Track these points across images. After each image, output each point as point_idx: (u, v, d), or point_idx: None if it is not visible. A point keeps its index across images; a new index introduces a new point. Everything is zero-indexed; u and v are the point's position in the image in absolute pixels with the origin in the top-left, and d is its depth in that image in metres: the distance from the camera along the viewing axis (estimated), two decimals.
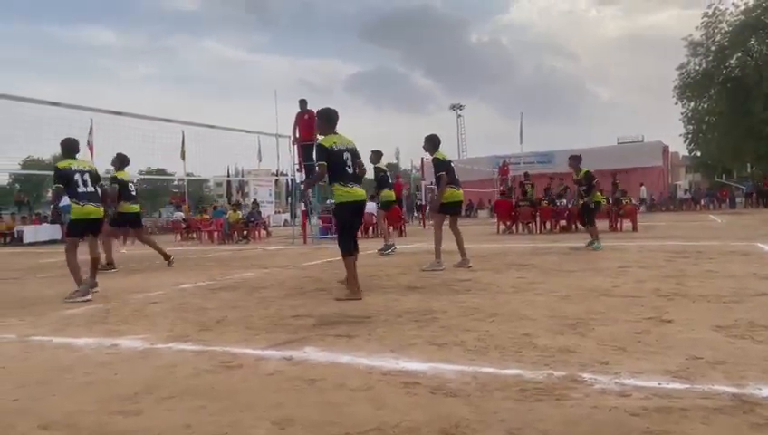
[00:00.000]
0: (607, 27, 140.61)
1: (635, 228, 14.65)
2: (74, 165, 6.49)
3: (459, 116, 61.85)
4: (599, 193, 10.36)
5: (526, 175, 19.65)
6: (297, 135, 14.84)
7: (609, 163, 29.13)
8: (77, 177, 6.39)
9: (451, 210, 7.99)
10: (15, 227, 22.48)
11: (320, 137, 5.96)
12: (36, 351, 3.79)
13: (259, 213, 20.05)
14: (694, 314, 4.16)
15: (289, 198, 27.81)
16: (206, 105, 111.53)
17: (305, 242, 14.56)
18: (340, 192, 5.72)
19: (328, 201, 17.28)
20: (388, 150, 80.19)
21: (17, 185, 58.19)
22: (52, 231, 22.48)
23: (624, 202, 15.54)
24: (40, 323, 4.79)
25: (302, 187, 10.71)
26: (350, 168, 5.75)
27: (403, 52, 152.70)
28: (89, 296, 6.02)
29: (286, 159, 16.27)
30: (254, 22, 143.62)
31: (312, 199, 15.97)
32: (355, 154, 5.89)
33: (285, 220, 29.29)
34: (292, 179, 18.51)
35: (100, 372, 3.25)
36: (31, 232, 21.79)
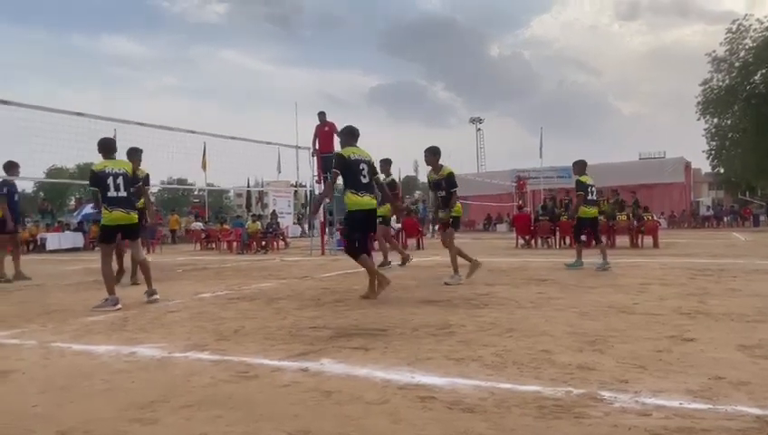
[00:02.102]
0: (630, 42, 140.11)
1: (656, 245, 14.47)
2: (109, 167, 6.38)
3: (479, 129, 61.75)
4: (585, 208, 9.40)
5: (567, 192, 19.44)
6: (317, 147, 14.92)
7: (630, 179, 28.92)
8: (109, 180, 6.29)
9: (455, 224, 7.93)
10: (39, 234, 22.83)
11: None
12: (56, 357, 3.83)
13: (278, 224, 20.17)
14: (716, 332, 4.09)
15: (307, 209, 27.96)
16: (227, 116, 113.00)
17: (323, 253, 14.59)
18: (351, 200, 6.07)
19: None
20: (406, 163, 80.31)
21: (41, 193, 59.23)
22: (75, 239, 22.81)
23: (646, 218, 15.36)
24: (61, 329, 4.84)
25: (317, 197, 10.44)
26: (365, 177, 6.10)
27: (424, 65, 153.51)
28: (119, 306, 5.96)
29: (305, 171, 16.37)
30: (276, 34, 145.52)
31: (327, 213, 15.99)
32: (372, 168, 6.26)
33: (303, 231, 29.41)
34: (311, 191, 18.61)
35: (118, 379, 3.27)
36: (54, 240, 22.10)
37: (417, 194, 67.98)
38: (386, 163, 10.00)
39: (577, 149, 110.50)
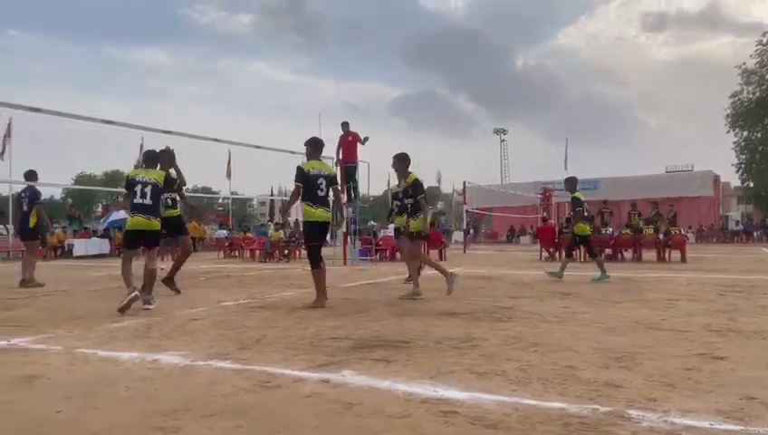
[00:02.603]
0: (657, 54, 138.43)
1: (683, 259, 14.22)
2: (139, 175, 6.64)
3: (503, 141, 61.48)
4: (581, 224, 9.42)
5: (605, 202, 19.24)
6: (340, 156, 14.98)
7: (656, 192, 28.50)
8: (137, 187, 6.53)
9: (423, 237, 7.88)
10: (66, 240, 23.22)
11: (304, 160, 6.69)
12: (81, 363, 3.87)
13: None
14: (748, 351, 3.98)
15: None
16: (252, 125, 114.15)
17: (345, 263, 14.60)
18: (307, 212, 6.59)
19: (369, 223, 17.38)
20: (429, 174, 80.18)
21: (69, 200, 60.30)
22: (101, 245, 23.16)
23: (673, 233, 15.11)
24: (87, 335, 4.89)
25: (282, 205, 10.36)
26: (321, 191, 6.58)
27: (447, 76, 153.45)
28: (135, 293, 6.14)
29: None
30: (301, 45, 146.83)
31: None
32: (331, 181, 6.72)
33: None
34: (332, 200, 18.65)
35: (142, 386, 3.29)
36: (81, 246, 22.47)
37: (440, 205, 67.88)
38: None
39: (602, 161, 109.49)
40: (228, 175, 24.79)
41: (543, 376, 3.36)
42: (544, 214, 24.68)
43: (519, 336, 4.54)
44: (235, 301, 7.13)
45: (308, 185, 6.54)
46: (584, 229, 9.40)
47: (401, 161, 7.65)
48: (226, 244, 21.53)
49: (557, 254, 15.69)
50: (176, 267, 7.90)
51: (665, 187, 33.56)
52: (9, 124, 15.16)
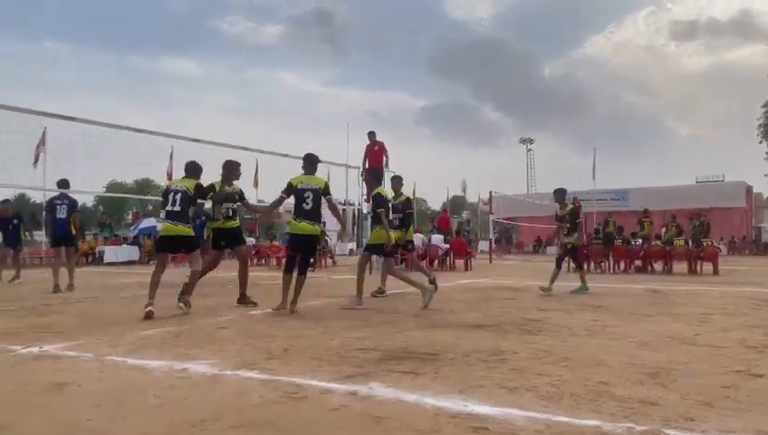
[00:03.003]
0: (687, 62, 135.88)
1: (716, 272, 13.90)
2: (174, 184, 6.97)
3: (529, 150, 61.02)
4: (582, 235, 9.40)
5: (645, 211, 18.92)
6: (367, 166, 15.00)
7: (687, 203, 28.01)
8: (170, 196, 6.79)
9: (377, 251, 8.09)
10: (97, 247, 23.63)
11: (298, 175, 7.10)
12: (111, 371, 3.90)
13: (326, 241, 20.28)
14: None
15: (355, 228, 28.06)
16: (279, 135, 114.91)
17: (370, 272, 14.55)
18: (292, 224, 7.10)
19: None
20: (454, 184, 79.95)
21: (101, 207, 61.44)
22: (131, 252, 23.52)
23: (705, 244, 14.80)
24: (117, 342, 4.94)
25: (261, 208, 10.40)
26: (307, 205, 6.91)
27: (473, 86, 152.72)
28: (149, 308, 6.35)
29: (353, 189, 16.47)
30: (328, 55, 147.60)
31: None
32: (319, 194, 6.99)
33: (351, 250, 29.53)
34: (359, 209, 18.70)
35: (170, 395, 3.30)
36: (111, 252, 22.84)
37: (466, 214, 67.55)
38: (396, 181, 9.33)
39: (631, 171, 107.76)
40: (255, 184, 24.99)
41: (576, 392, 3.28)
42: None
43: (549, 350, 4.46)
44: (261, 309, 7.15)
45: (295, 198, 6.95)
46: (576, 240, 9.39)
47: (400, 181, 8.40)
48: (253, 252, 21.68)
49: (585, 265, 15.46)
50: (242, 283, 7.84)
51: (695, 197, 32.95)
52: (44, 133, 15.46)
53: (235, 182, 7.67)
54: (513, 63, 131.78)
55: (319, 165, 7.63)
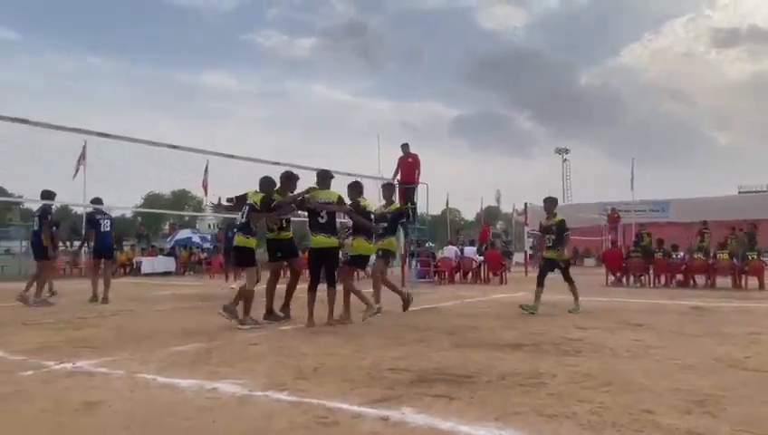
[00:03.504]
0: (728, 70, 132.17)
1: (762, 287, 13.36)
2: (251, 198, 7.18)
3: (565, 160, 60.15)
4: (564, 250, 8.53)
5: (704, 223, 18.36)
6: (399, 177, 14.91)
7: (729, 214, 27.10)
8: (245, 208, 7.15)
9: (360, 263, 8.17)
10: (135, 258, 24.03)
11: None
12: (142, 389, 3.87)
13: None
14: None
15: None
16: (312, 147, 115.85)
17: (403, 285, 14.42)
18: (311, 239, 7.15)
19: (427, 244, 17.20)
20: (489, 194, 79.35)
21: (139, 218, 62.72)
22: (167, 263, 23.86)
23: (750, 257, 14.26)
24: (148, 358, 4.93)
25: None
26: (322, 218, 6.99)
27: (507, 95, 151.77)
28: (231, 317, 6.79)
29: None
30: (361, 67, 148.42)
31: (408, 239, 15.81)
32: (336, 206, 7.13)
33: None
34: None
35: (200, 417, 3.25)
36: (148, 263, 23.19)
37: (500, 225, 66.82)
38: (387, 189, 9.11)
39: (670, 180, 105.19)
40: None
41: (618, 421, 3.12)
42: (611, 236, 23.88)
43: (589, 373, 4.27)
44: (293, 325, 7.10)
45: (310, 213, 7.08)
46: (559, 255, 8.54)
47: (351, 189, 7.93)
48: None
49: (624, 278, 15.07)
50: (289, 294, 7.86)
51: (739, 208, 31.89)
52: (84, 147, 15.85)
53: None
54: (548, 73, 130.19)
55: (348, 177, 7.67)
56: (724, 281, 14.08)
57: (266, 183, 7.29)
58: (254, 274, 7.13)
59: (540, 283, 8.40)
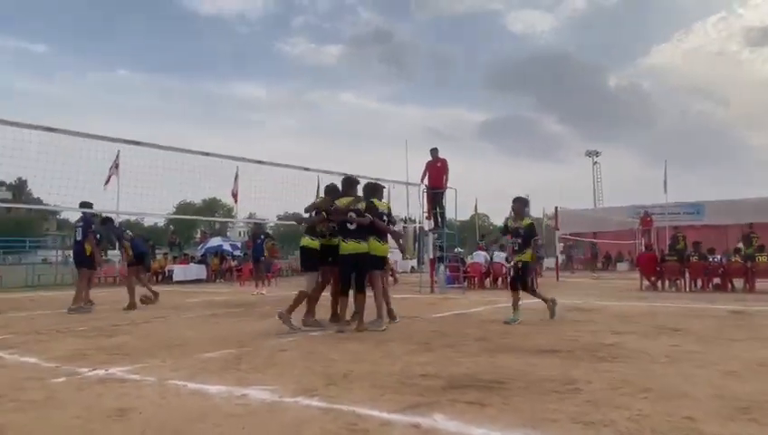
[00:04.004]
0: (761, 69, 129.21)
1: None
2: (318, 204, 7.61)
3: (595, 163, 59.19)
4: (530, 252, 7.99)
5: (751, 226, 17.88)
6: (427, 183, 14.85)
7: (766, 216, 26.33)
8: (313, 212, 7.52)
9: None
10: (167, 266, 24.38)
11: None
12: (172, 396, 3.87)
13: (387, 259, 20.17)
14: None
15: (416, 245, 27.83)
16: (341, 154, 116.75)
17: (432, 291, 14.33)
18: (340, 246, 7.13)
19: (456, 249, 17.06)
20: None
21: (171, 226, 63.71)
22: (198, 271, 24.14)
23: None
24: (179, 365, 4.95)
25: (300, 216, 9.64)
26: (352, 224, 7.04)
27: (535, 99, 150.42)
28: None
29: (414, 207, 16.31)
30: (388, 73, 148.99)
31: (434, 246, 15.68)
32: (359, 212, 7.09)
33: (412, 267, 29.34)
34: (420, 227, 18.52)
35: (229, 424, 3.23)
36: (180, 271, 23.50)
37: None
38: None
39: (705, 182, 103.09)
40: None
41: (659, 428, 3.00)
42: (644, 239, 23.41)
43: (626, 379, 4.14)
44: (322, 331, 7.07)
45: (340, 220, 7.13)
46: (531, 257, 8.09)
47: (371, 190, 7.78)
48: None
49: (659, 283, 14.73)
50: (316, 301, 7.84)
51: None
52: (117, 156, 16.19)
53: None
54: (577, 75, 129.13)
55: (376, 182, 7.65)
56: (764, 284, 13.66)
57: (331, 190, 7.60)
58: (315, 278, 7.28)
59: (514, 288, 8.01)
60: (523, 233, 7.94)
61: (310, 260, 7.35)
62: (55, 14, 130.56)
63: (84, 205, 10.77)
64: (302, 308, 7.43)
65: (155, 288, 12.05)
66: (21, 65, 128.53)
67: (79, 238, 10.46)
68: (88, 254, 10.37)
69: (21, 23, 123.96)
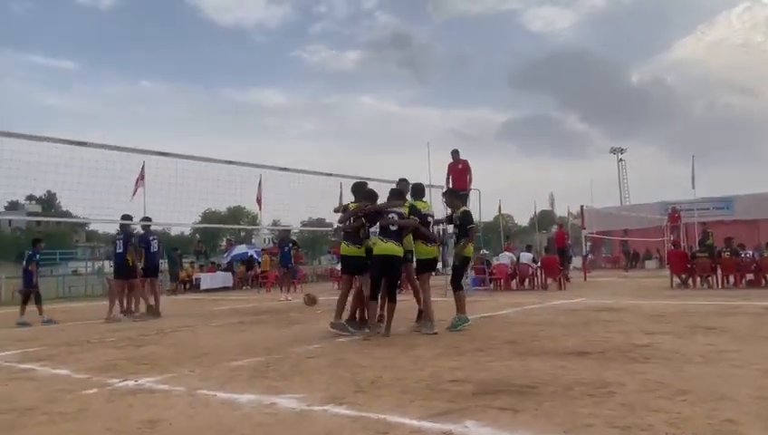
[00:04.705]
0: None
1: None
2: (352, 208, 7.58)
3: (620, 160, 58.34)
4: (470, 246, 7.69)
5: (706, 225, 17.56)
6: (450, 184, 14.75)
7: None
8: (351, 218, 7.49)
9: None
10: (194, 274, 24.58)
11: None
12: (201, 406, 3.87)
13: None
14: None
15: (441, 247, 27.64)
16: (362, 157, 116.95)
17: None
18: (377, 245, 6.95)
19: (482, 251, 16.92)
20: (541, 198, 77.90)
21: (197, 235, 64.36)
22: (225, 279, 24.30)
23: None
24: (208, 374, 4.96)
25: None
26: (393, 226, 6.96)
27: (557, 97, 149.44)
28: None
29: (438, 208, 16.21)
30: (407, 77, 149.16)
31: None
32: (401, 215, 7.09)
33: (437, 269, 29.14)
34: (444, 229, 18.40)
35: (259, 434, 3.21)
36: (207, 280, 23.67)
37: (554, 229, 65.18)
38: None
39: (734, 177, 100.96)
40: (341, 207, 25.29)
41: (699, 432, 2.91)
42: (673, 236, 22.98)
43: (662, 381, 4.03)
44: (349, 337, 7.04)
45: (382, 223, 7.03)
46: (467, 250, 7.68)
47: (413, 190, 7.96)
48: (340, 275, 21.84)
49: (690, 280, 14.42)
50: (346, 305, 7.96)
51: None
52: (142, 167, 16.39)
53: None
54: (598, 72, 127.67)
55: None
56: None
57: (369, 195, 7.54)
58: (368, 280, 7.14)
59: (457, 286, 7.58)
60: (458, 222, 7.67)
61: (350, 267, 7.36)
62: (80, 30, 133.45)
63: (125, 217, 11.30)
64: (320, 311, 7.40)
65: (182, 297, 12.24)
66: (49, 82, 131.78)
67: (120, 250, 11.07)
68: (130, 265, 11.00)
69: (48, 41, 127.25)
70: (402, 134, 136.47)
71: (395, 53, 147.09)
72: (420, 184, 8.09)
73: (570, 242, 23.40)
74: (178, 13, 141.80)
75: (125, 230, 11.36)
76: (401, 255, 7.02)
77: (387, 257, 6.89)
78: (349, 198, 8.08)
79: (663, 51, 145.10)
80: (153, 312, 11.19)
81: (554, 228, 26.78)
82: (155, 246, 11.60)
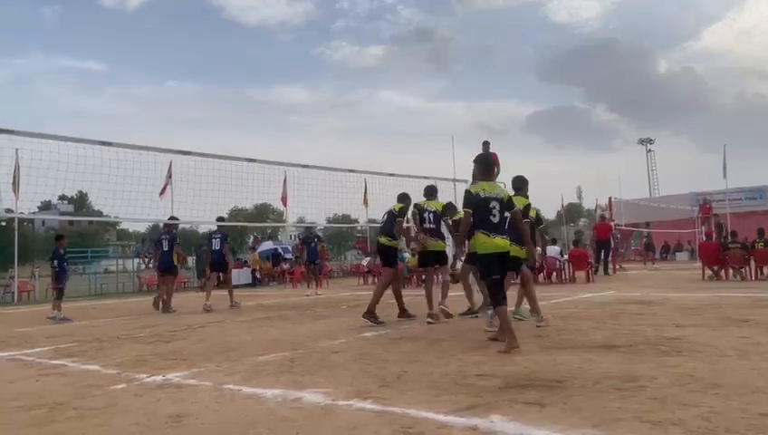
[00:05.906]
0: None
1: None
2: (426, 205, 8.16)
3: (649, 151, 57.29)
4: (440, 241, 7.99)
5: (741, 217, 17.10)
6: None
7: None
8: (425, 214, 8.14)
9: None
10: None
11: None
12: (227, 401, 3.89)
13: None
14: None
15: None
16: (386, 153, 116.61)
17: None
18: (481, 241, 5.55)
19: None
20: (569, 190, 76.97)
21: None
22: (250, 275, 24.58)
23: None
24: (234, 369, 4.99)
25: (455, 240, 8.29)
26: (494, 217, 5.52)
27: (583, 88, 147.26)
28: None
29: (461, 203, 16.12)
30: (431, 71, 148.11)
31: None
32: (504, 205, 5.64)
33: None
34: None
35: (283, 428, 3.21)
36: (234, 276, 23.91)
37: (582, 222, 64.53)
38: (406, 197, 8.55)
39: (765, 166, 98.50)
40: (365, 203, 25.33)
41: (733, 427, 2.82)
42: (705, 228, 22.51)
43: (693, 374, 3.94)
44: (375, 331, 7.03)
45: (479, 210, 5.56)
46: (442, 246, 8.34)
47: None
48: (366, 270, 21.87)
49: (722, 272, 14.11)
50: (429, 299, 8.13)
51: None
52: (170, 166, 16.59)
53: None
54: (625, 62, 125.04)
55: (425, 180, 7.69)
56: None
57: (404, 197, 8.26)
58: (468, 268, 7.72)
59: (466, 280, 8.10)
60: (432, 217, 8.11)
61: (388, 257, 8.21)
62: (108, 32, 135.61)
63: (172, 219, 12.55)
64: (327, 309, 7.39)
65: (214, 292, 12.64)
66: (78, 85, 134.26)
67: (166, 249, 12.22)
68: (176, 263, 12.45)
69: (77, 43, 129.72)
70: (427, 128, 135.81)
71: (418, 47, 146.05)
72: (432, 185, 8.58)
73: (617, 235, 22.78)
74: (203, 13, 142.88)
75: (169, 231, 12.47)
76: (508, 250, 5.72)
77: (497, 256, 5.55)
78: (373, 193, 8.31)
79: (691, 39, 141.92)
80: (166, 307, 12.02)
81: (582, 222, 26.33)
82: (216, 244, 12.75)
